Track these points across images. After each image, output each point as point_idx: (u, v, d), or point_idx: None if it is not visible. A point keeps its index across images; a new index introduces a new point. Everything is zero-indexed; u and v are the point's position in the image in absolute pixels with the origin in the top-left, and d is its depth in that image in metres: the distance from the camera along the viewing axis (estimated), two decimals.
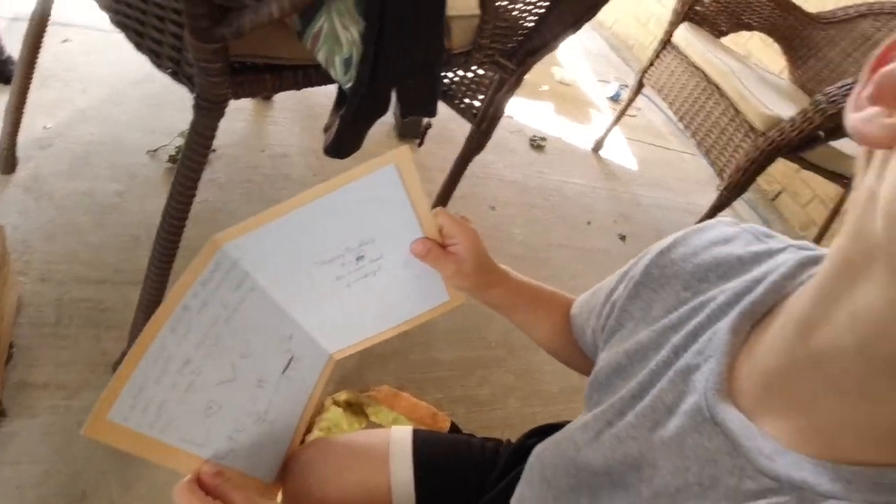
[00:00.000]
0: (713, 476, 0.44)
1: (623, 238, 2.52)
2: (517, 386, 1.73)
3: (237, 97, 1.03)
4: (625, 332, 0.60)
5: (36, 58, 1.47)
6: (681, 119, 2.58)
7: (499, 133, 2.62)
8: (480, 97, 1.70)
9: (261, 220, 0.60)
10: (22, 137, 1.58)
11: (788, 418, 0.42)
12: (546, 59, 1.61)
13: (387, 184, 0.64)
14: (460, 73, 1.73)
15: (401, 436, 0.83)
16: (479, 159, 1.82)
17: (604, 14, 4.71)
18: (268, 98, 2.26)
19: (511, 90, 1.59)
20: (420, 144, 2.25)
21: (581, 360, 0.77)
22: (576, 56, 4.12)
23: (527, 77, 1.57)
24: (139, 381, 0.54)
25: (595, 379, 0.61)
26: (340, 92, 1.10)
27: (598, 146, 3.09)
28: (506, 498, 0.67)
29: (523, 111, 3.06)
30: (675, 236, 0.60)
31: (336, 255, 0.68)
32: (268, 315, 0.67)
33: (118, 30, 1.09)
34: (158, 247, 1.13)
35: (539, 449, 0.62)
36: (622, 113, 2.98)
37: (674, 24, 2.63)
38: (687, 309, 0.54)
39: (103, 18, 1.09)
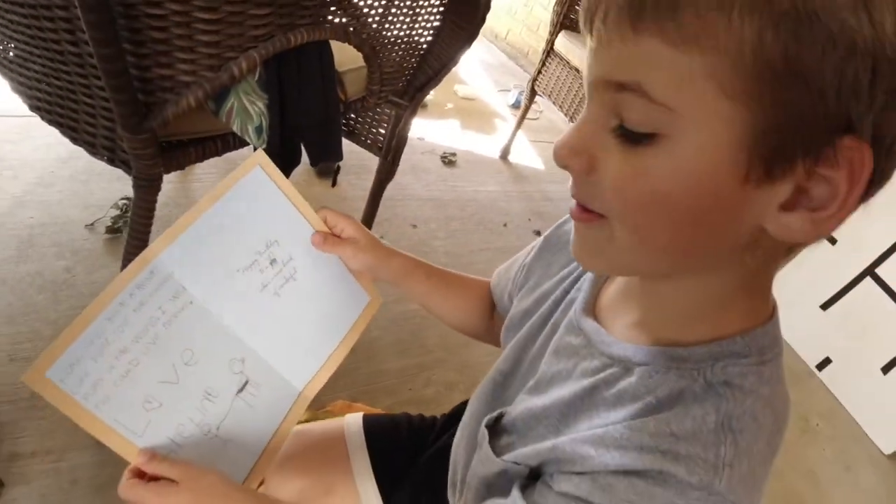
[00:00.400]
0: (575, 363, 0.62)
1: (538, 233, 2.71)
2: (460, 380, 1.92)
3: (168, 171, 1.20)
4: (531, 284, 0.79)
5: None
6: (571, 119, 2.85)
7: (411, 156, 2.84)
8: (383, 130, 1.90)
9: (175, 230, 0.68)
10: None
11: (623, 320, 0.62)
12: (448, 78, 1.78)
13: (260, 185, 0.75)
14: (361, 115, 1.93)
15: (353, 419, 0.99)
16: (396, 182, 1.99)
17: (497, 26, 5.01)
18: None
19: (408, 121, 1.79)
20: (333, 185, 2.43)
21: (494, 331, 0.91)
22: (476, 70, 4.37)
23: (432, 98, 1.76)
24: (77, 352, 0.60)
25: (510, 323, 0.80)
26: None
27: (505, 153, 3.31)
28: (444, 455, 0.83)
29: (432, 131, 3.25)
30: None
31: (251, 261, 0.75)
32: (210, 332, 0.72)
33: (35, 114, 1.23)
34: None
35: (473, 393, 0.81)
36: (523, 118, 3.22)
37: (553, 34, 2.90)
38: (574, 265, 0.73)
39: (19, 104, 1.23)
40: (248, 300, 0.75)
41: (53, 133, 1.22)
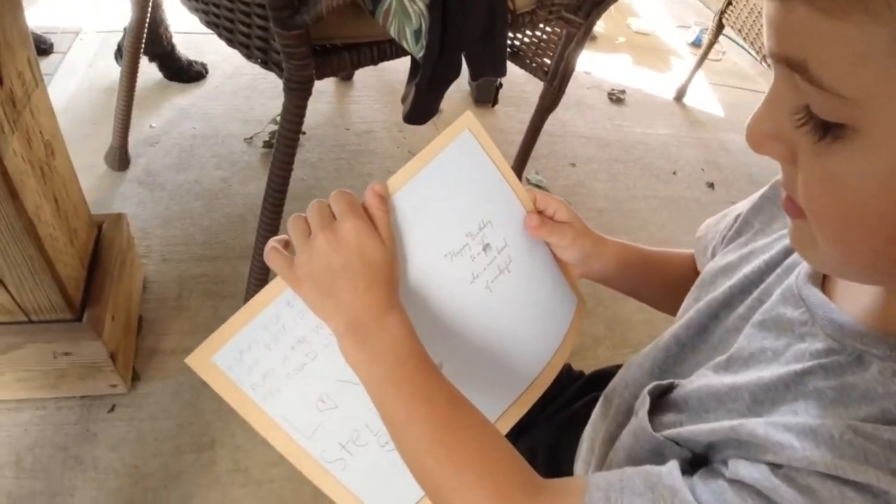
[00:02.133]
0: (787, 342, 0.50)
1: (711, 185, 2.47)
2: (606, 335, 1.76)
3: (321, 77, 1.12)
4: (742, 239, 0.65)
5: (138, 64, 1.63)
6: (763, 61, 2.50)
7: (576, 90, 2.64)
8: (550, 54, 1.73)
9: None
10: (132, 137, 1.75)
11: (860, 299, 0.48)
12: (621, 10, 1.62)
13: (468, 152, 0.64)
14: (528, 32, 1.76)
15: None
16: (556, 118, 1.84)
17: None
18: (348, 78, 2.36)
19: (580, 44, 1.61)
20: (494, 104, 2.30)
21: None
22: (652, 4, 4.00)
23: (602, 31, 1.59)
24: (248, 338, 0.54)
25: (701, 280, 0.65)
26: (414, 62, 1.17)
27: (680, 94, 3.00)
28: (575, 419, 0.73)
29: (600, 65, 3.02)
30: None
31: (462, 244, 0.63)
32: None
33: (209, 30, 1.21)
34: (264, 220, 1.25)
35: (630, 360, 0.68)
36: (704, 57, 2.89)
37: None
38: None
39: (193, 22, 1.20)
40: (454, 292, 0.63)
41: (220, 50, 1.20)
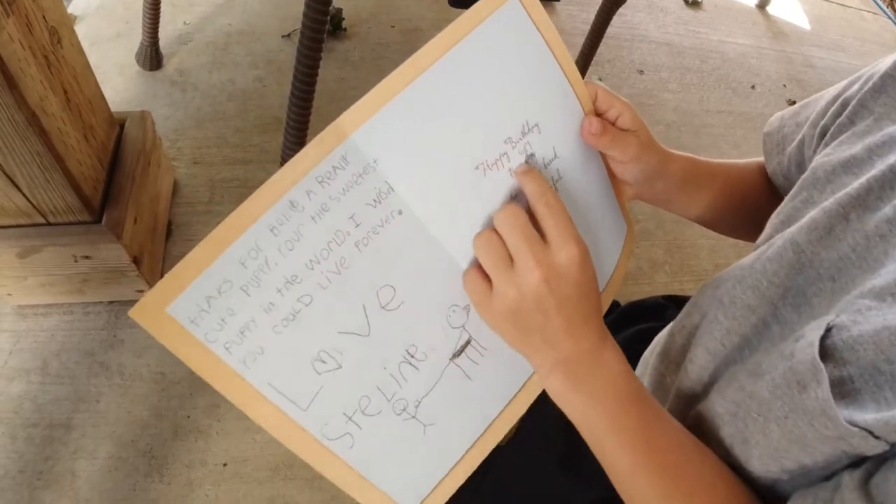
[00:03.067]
0: None
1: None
2: (666, 261, 1.63)
3: None
4: (859, 128, 0.50)
5: None
6: None
7: None
8: None
9: (387, 90, 0.43)
10: (164, 35, 1.65)
11: None
12: None
13: (515, 27, 0.49)
14: None
15: None
16: (625, 20, 1.66)
17: None
18: None
19: None
20: None
21: (754, 222, 0.64)
22: None
23: None
24: (217, 278, 0.40)
25: (811, 175, 0.51)
26: None
27: (764, 2, 2.72)
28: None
29: None
30: None
31: (499, 153, 0.49)
32: (425, 262, 0.48)
33: None
34: (290, 121, 1.14)
35: (722, 274, 0.55)
36: None
37: None
38: None
39: None
40: (487, 216, 0.49)
41: None
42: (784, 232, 0.49)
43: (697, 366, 0.53)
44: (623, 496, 0.48)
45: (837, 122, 0.53)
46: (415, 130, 0.45)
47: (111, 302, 1.29)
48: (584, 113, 0.54)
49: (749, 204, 0.67)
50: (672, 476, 0.46)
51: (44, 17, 0.98)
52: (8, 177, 1.00)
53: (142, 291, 1.27)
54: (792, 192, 0.53)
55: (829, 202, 0.46)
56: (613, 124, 0.55)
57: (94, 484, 1.12)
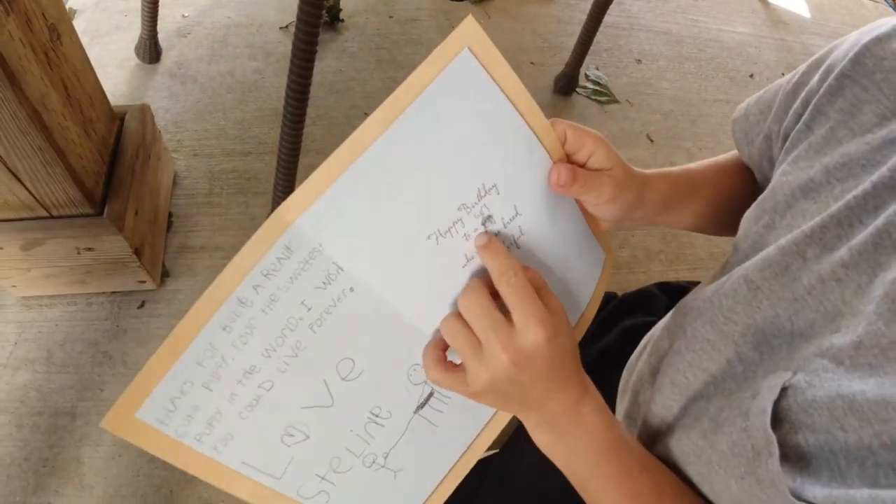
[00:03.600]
0: None
1: None
2: (662, 249, 1.64)
3: None
4: (815, 139, 0.48)
5: None
6: None
7: None
8: None
9: (329, 173, 0.42)
10: (162, 28, 1.67)
11: None
12: None
13: (468, 81, 0.45)
14: None
15: None
16: (623, 8, 1.66)
17: None
18: None
19: None
20: None
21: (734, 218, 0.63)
22: None
23: None
24: (178, 380, 0.42)
25: (772, 196, 0.50)
26: None
27: None
28: (611, 356, 0.63)
29: None
30: (894, 23, 0.47)
31: (452, 221, 0.47)
32: (382, 330, 0.48)
33: None
34: (287, 111, 1.15)
35: (690, 300, 0.55)
36: None
37: None
38: None
39: None
40: (442, 280, 0.48)
41: None
42: (742, 265, 0.49)
43: (665, 396, 0.54)
44: None
45: (797, 126, 0.51)
46: (360, 210, 0.43)
47: (113, 292, 1.31)
48: (552, 161, 0.51)
49: (735, 203, 0.64)
50: None
51: (43, 15, 1.00)
52: (11, 171, 1.01)
53: (143, 282, 1.29)
54: (753, 211, 0.52)
55: (784, 240, 0.45)
56: (585, 165, 0.52)
57: (99, 470, 1.14)
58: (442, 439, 0.55)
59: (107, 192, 1.18)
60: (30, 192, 1.07)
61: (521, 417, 0.50)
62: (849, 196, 0.42)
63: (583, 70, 1.90)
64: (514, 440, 0.76)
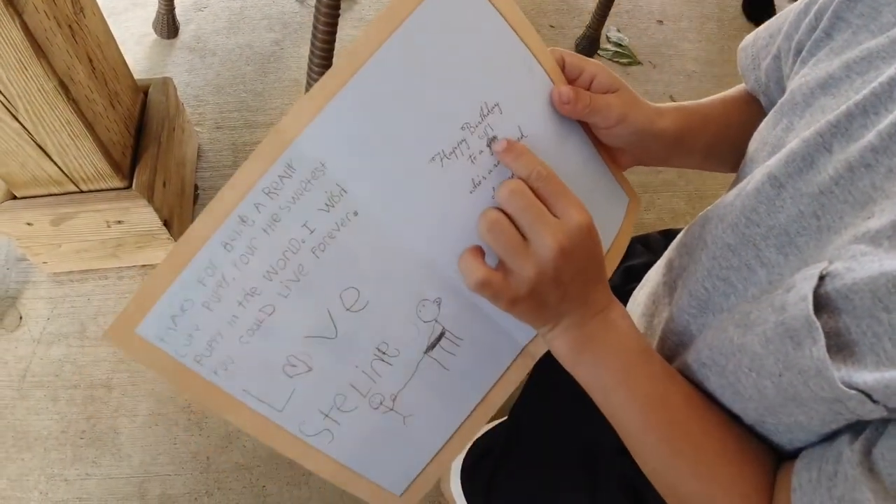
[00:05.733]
0: None
1: None
2: (687, 212, 1.62)
3: None
4: (837, 43, 0.47)
5: None
6: None
7: None
8: None
9: (328, 88, 0.41)
10: (179, 2, 1.66)
11: None
12: None
13: (462, 1, 0.45)
14: None
15: None
16: None
17: None
18: None
19: None
20: None
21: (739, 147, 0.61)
22: None
23: None
24: (178, 298, 0.42)
25: (790, 99, 0.48)
26: None
27: None
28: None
29: None
30: None
31: (456, 141, 0.46)
32: (387, 260, 0.47)
33: None
34: (311, 81, 1.15)
35: (709, 210, 0.53)
36: None
37: None
38: None
39: None
40: (450, 208, 0.47)
41: None
42: (765, 164, 0.47)
43: (682, 310, 0.52)
44: (633, 454, 0.49)
45: (813, 36, 0.49)
46: (361, 127, 0.43)
47: (144, 265, 1.33)
48: (553, 84, 0.50)
49: (743, 135, 0.61)
50: (680, 432, 0.46)
51: None
52: (39, 146, 1.02)
53: None
54: (771, 118, 0.51)
55: (808, 132, 0.43)
56: (588, 89, 0.52)
57: (136, 439, 1.16)
58: (454, 386, 0.54)
59: (134, 165, 1.19)
60: (58, 167, 1.07)
61: (547, 327, 0.49)
62: (874, 84, 0.41)
63: (604, 32, 1.87)
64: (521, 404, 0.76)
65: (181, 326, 0.42)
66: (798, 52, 0.51)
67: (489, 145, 0.47)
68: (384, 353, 0.50)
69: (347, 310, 0.47)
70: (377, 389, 0.50)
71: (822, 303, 0.37)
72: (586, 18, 1.80)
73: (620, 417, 0.48)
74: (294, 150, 0.41)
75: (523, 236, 0.44)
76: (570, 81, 0.52)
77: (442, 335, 0.52)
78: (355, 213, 0.45)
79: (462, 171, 0.46)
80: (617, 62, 1.89)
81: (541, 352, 0.56)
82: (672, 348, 0.55)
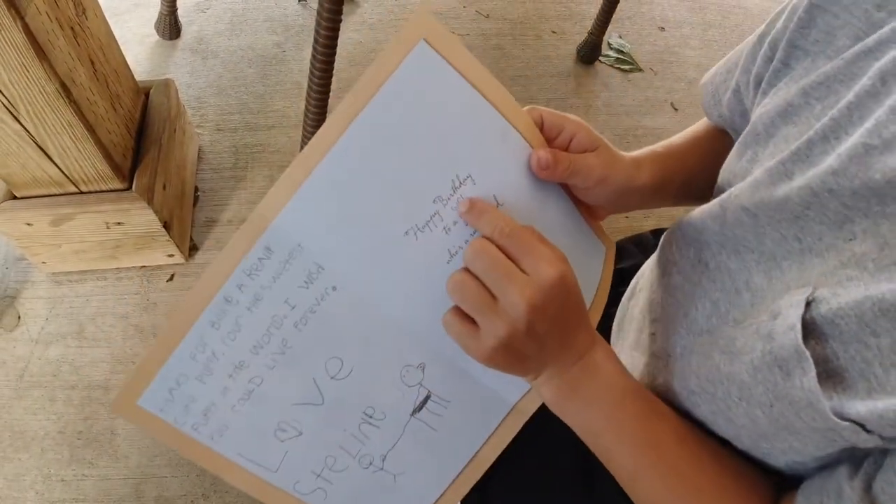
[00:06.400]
0: None
1: None
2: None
3: None
4: (797, 72, 0.47)
5: None
6: None
7: None
8: None
9: (299, 171, 0.43)
10: (181, 4, 1.66)
11: None
12: None
13: (429, 73, 0.45)
14: None
15: None
16: None
17: None
18: None
19: None
20: None
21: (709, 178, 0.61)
22: None
23: None
24: (173, 373, 0.45)
25: (752, 130, 0.48)
26: None
27: None
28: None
29: None
30: None
31: (429, 214, 0.46)
32: (369, 329, 0.49)
33: None
34: (312, 83, 1.15)
35: (677, 228, 0.53)
36: None
37: None
38: (889, 31, 0.40)
39: None
40: (427, 277, 0.48)
41: None
42: (730, 192, 0.47)
43: (675, 332, 0.52)
44: (630, 495, 0.48)
45: (771, 67, 0.49)
46: (335, 207, 0.44)
47: (143, 267, 1.33)
48: (530, 148, 0.50)
49: (718, 168, 0.60)
50: (675, 473, 0.46)
51: None
52: (40, 148, 1.02)
53: (172, 256, 1.30)
54: (736, 149, 0.51)
55: (772, 162, 0.44)
56: (567, 149, 0.51)
57: (133, 441, 1.16)
58: (444, 446, 0.55)
59: (135, 167, 1.19)
60: (59, 168, 1.08)
61: (530, 377, 0.49)
62: (832, 111, 0.41)
63: (605, 38, 1.87)
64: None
65: (178, 398, 0.46)
66: (757, 83, 0.51)
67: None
68: (371, 416, 0.51)
69: (332, 378, 0.49)
70: (366, 450, 0.52)
71: (809, 329, 0.37)
72: (588, 24, 1.80)
73: (612, 461, 0.48)
74: (272, 234, 0.43)
75: (493, 295, 0.44)
76: (549, 141, 0.51)
77: (428, 398, 0.53)
78: (334, 288, 0.46)
79: (437, 243, 0.47)
80: (618, 68, 1.89)
81: (532, 409, 0.55)
82: (659, 368, 0.54)
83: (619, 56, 1.92)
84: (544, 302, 0.42)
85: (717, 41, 2.12)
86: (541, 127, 0.51)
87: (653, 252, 0.67)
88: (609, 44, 1.94)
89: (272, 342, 0.47)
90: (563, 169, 0.49)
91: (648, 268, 0.64)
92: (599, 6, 1.71)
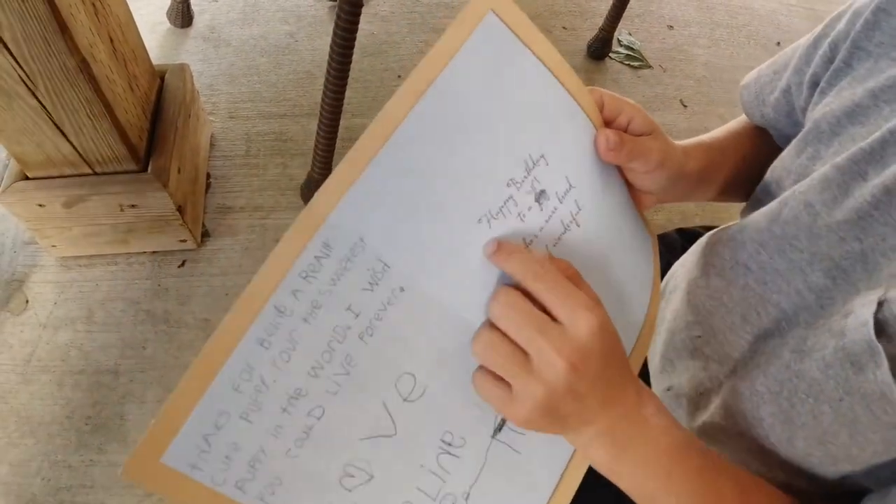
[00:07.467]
0: None
1: None
2: (696, 213, 1.63)
3: None
4: (859, 73, 0.47)
5: None
6: None
7: None
8: None
9: (360, 157, 0.37)
10: None
11: None
12: None
13: (497, 47, 0.41)
14: None
15: None
16: None
17: None
18: None
19: None
20: None
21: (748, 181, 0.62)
22: None
23: None
24: (212, 411, 0.35)
25: (815, 128, 0.49)
26: None
27: None
28: None
29: None
30: None
31: (503, 200, 0.42)
32: (444, 334, 0.42)
33: None
34: (330, 77, 1.14)
35: (718, 230, 0.54)
36: None
37: None
38: None
39: None
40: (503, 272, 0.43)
41: None
42: (794, 189, 0.47)
43: (735, 335, 0.52)
44: None
45: (831, 67, 0.49)
46: (399, 196, 0.39)
47: (154, 252, 1.32)
48: (594, 128, 0.47)
49: (756, 166, 0.62)
50: None
51: None
52: (56, 126, 1.01)
53: (184, 241, 1.29)
54: (794, 146, 0.51)
55: (841, 159, 0.44)
56: (625, 131, 0.50)
57: (143, 427, 1.14)
58: (528, 468, 0.47)
59: (150, 149, 1.18)
60: (74, 148, 1.06)
61: (573, 438, 0.44)
62: None
63: (616, 35, 1.87)
64: None
65: (216, 447, 0.35)
66: (814, 84, 0.52)
67: (538, 200, 0.43)
68: (450, 444, 0.44)
69: (405, 400, 0.41)
70: (447, 489, 0.44)
71: (880, 328, 0.37)
72: (599, 21, 1.80)
73: None
74: (329, 227, 0.37)
75: (525, 351, 0.39)
76: (608, 123, 0.50)
77: None
78: (401, 289, 0.40)
79: (511, 231, 0.42)
80: (628, 65, 1.89)
81: None
82: (720, 369, 0.54)
83: (629, 53, 1.93)
84: (584, 358, 0.38)
85: (725, 40, 2.13)
86: (601, 108, 0.49)
87: (681, 253, 0.67)
88: (619, 40, 1.95)
89: (334, 360, 0.38)
90: (627, 151, 0.48)
91: (682, 268, 0.63)
92: (610, 3, 1.71)
